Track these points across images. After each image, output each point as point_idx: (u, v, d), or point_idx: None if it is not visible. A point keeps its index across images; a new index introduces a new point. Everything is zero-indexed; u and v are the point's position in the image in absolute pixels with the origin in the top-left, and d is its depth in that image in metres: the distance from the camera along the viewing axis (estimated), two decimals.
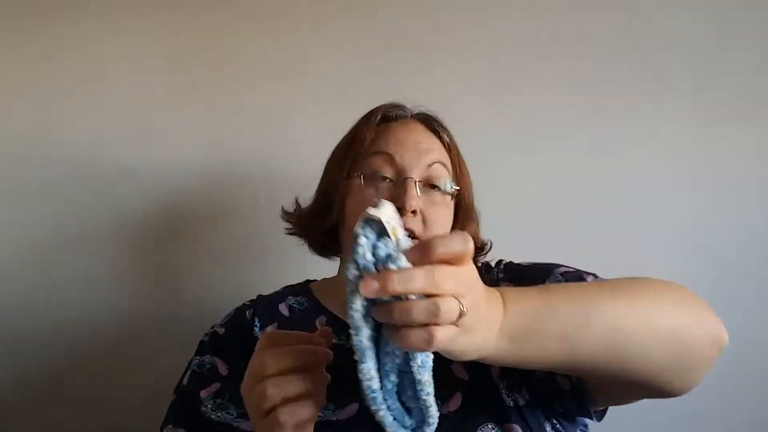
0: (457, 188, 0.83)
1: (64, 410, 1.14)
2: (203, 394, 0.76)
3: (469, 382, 0.72)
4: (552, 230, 1.16)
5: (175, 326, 1.14)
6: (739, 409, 1.16)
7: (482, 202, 0.90)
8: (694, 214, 1.17)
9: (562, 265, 0.81)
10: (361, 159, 0.81)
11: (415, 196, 0.77)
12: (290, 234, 0.92)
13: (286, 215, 0.93)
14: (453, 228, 0.84)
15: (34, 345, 1.14)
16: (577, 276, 0.78)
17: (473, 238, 0.83)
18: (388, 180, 0.79)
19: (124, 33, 1.15)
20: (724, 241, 1.16)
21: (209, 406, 0.75)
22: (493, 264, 0.88)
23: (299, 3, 1.16)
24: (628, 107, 1.17)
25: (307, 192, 0.91)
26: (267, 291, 0.91)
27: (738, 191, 1.16)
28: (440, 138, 0.86)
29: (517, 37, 1.17)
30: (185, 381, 0.80)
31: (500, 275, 0.84)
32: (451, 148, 0.86)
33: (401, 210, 0.75)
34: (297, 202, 0.93)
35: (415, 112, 0.88)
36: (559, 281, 0.76)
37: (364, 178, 0.80)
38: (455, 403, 0.70)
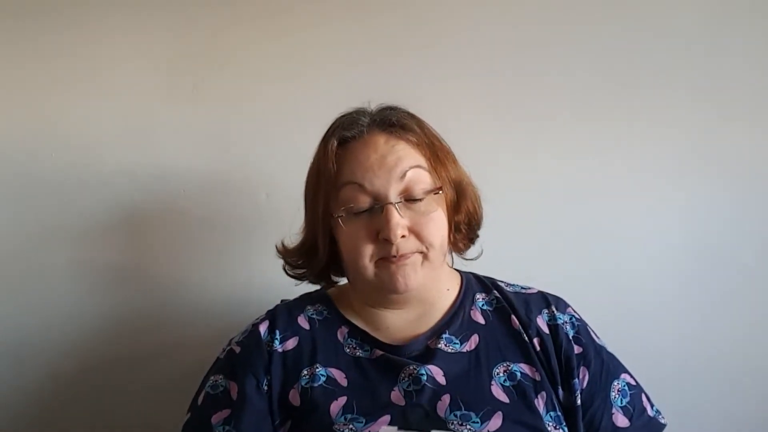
0: (439, 187, 0.79)
1: (64, 409, 1.15)
2: (214, 420, 0.77)
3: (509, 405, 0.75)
4: (552, 230, 1.16)
5: (174, 326, 1.14)
6: (740, 409, 1.16)
7: (482, 202, 0.89)
8: (695, 215, 1.16)
9: (628, 373, 0.84)
10: (334, 194, 0.79)
11: (399, 222, 0.75)
12: (291, 276, 0.90)
13: (279, 253, 0.90)
14: (449, 211, 0.81)
15: (35, 345, 1.15)
16: (637, 394, 0.82)
17: (470, 214, 0.85)
18: (366, 212, 0.77)
19: (124, 33, 1.15)
20: (725, 242, 1.16)
21: None
22: (551, 299, 0.86)
23: (299, 3, 1.16)
24: (629, 107, 1.16)
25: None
26: (265, 292, 0.91)
27: (739, 191, 1.16)
28: (406, 139, 0.80)
29: (516, 37, 1.17)
30: (200, 401, 0.81)
31: (570, 330, 0.83)
32: (419, 143, 0.80)
33: (388, 240, 0.75)
34: (283, 245, 0.90)
35: (372, 116, 0.83)
36: (618, 399, 0.80)
37: (342, 219, 0.78)
38: (495, 423, 0.73)
